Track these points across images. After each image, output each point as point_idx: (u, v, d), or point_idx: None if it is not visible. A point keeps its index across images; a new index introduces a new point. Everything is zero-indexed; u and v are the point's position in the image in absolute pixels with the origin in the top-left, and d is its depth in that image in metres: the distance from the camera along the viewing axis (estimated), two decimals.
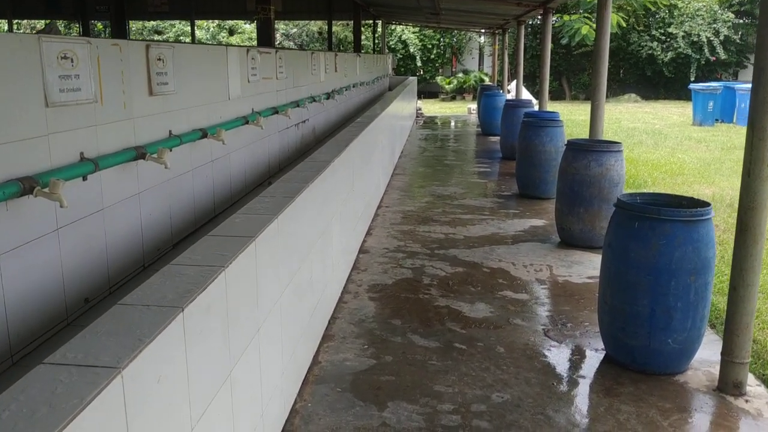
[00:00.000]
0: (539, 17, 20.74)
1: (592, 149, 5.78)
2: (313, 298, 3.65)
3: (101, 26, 25.27)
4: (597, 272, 5.32)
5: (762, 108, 3.07)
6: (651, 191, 4.28)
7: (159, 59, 3.38)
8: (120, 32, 9.88)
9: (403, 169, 10.05)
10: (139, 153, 3.09)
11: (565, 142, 6.19)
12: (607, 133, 15.62)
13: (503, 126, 11.34)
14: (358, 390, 3.33)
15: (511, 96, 15.60)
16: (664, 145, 13.34)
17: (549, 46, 9.69)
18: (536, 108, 11.66)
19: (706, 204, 3.50)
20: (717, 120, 16.99)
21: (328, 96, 8.21)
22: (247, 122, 4.78)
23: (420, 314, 4.34)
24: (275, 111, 5.63)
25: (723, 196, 8.16)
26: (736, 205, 3.24)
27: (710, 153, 12.24)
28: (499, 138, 13.92)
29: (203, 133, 3.90)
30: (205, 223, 4.17)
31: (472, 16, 14.68)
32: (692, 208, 3.52)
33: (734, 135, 14.93)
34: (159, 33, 28.50)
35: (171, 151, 3.56)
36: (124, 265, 3.18)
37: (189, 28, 19.77)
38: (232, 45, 4.76)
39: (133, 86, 3.16)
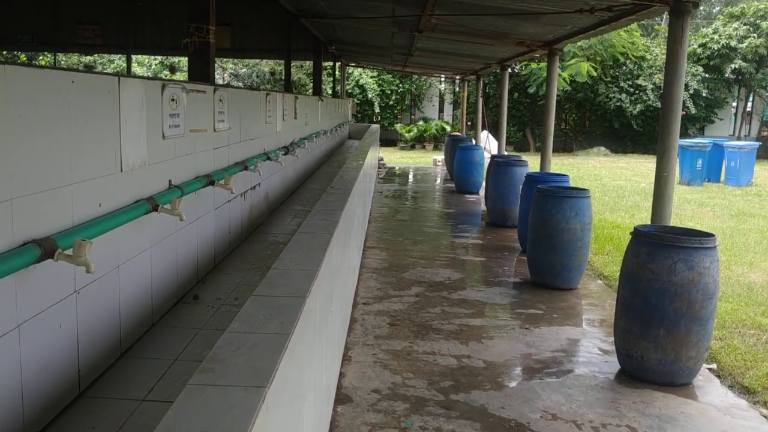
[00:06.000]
0: (521, 63, 19.34)
1: (679, 244, 3.97)
2: None
3: (25, 57, 22.74)
4: None
5: None
6: None
7: None
8: None
9: (376, 239, 8.09)
10: None
11: (630, 231, 4.37)
12: (594, 193, 14.10)
13: (490, 187, 9.55)
14: None
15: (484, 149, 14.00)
16: None
17: (554, 92, 8.02)
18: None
19: None
20: (705, 179, 15.69)
21: (287, 150, 6.26)
22: (155, 208, 2.78)
23: None
24: (210, 181, 3.65)
25: None
26: None
27: (721, 221, 10.73)
28: (477, 197, 12.25)
29: (44, 250, 1.89)
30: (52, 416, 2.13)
31: (448, 58, 13.05)
32: None
33: (731, 197, 13.57)
34: (90, 68, 26.00)
35: None
36: None
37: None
38: (127, 76, 2.63)
39: None
